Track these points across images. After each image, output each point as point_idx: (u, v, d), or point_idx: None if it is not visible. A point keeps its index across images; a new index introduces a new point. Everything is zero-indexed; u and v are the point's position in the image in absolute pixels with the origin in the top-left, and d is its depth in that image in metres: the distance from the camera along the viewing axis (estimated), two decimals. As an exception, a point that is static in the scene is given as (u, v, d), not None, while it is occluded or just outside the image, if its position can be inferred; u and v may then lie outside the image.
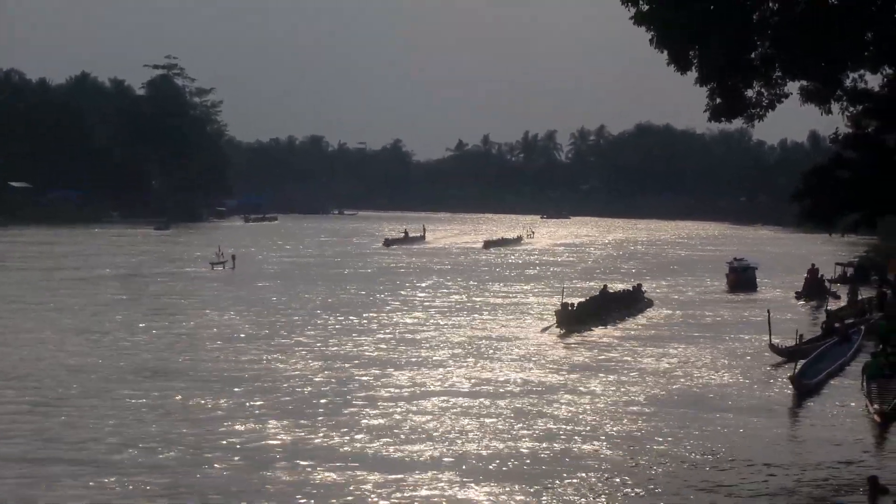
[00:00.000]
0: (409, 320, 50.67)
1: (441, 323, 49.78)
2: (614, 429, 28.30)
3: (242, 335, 44.46)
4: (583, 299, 53.39)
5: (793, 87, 23.41)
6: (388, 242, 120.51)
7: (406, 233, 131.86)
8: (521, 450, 26.04)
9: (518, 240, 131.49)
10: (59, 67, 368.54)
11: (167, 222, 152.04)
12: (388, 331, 46.59)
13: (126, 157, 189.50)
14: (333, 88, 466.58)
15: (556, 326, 47.64)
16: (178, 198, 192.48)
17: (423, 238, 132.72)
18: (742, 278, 69.17)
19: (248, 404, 30.62)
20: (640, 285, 60.89)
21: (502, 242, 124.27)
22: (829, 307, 55.00)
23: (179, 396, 31.60)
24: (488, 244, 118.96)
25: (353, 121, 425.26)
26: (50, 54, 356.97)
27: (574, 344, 44.06)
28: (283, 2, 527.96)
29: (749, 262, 71.76)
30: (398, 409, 30.08)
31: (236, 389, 32.67)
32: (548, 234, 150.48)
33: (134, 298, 58.94)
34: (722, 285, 70.20)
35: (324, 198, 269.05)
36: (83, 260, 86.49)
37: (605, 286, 58.27)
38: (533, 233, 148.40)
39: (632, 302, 57.01)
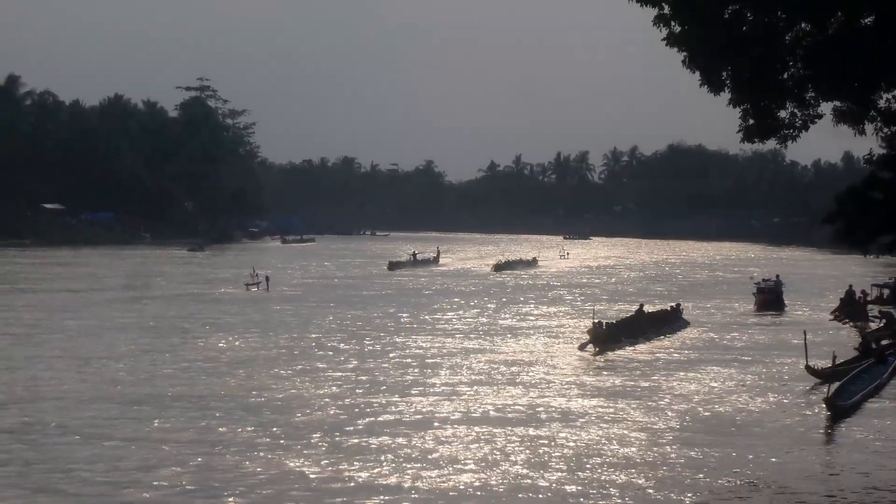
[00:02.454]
0: (430, 344, 49.76)
1: (462, 347, 48.82)
2: (645, 457, 27.82)
3: (268, 360, 43.82)
4: (617, 319, 53.52)
5: (826, 107, 23.31)
6: (393, 266, 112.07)
7: (414, 255, 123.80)
8: (550, 478, 25.64)
9: (533, 262, 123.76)
10: (92, 90, 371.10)
11: (202, 243, 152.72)
12: (410, 355, 45.75)
13: (158, 178, 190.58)
14: (366, 110, 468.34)
15: (590, 344, 47.72)
16: (209, 219, 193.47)
17: (435, 260, 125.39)
18: (770, 298, 69.61)
19: (271, 433, 29.87)
20: (678, 305, 60.84)
21: (514, 265, 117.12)
22: (865, 328, 54.72)
23: (200, 425, 30.84)
24: (499, 267, 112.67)
25: (385, 142, 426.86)
26: (83, 76, 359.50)
27: (605, 366, 43.69)
28: (316, 25, 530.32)
29: (777, 283, 71.96)
30: (425, 437, 29.46)
31: (259, 417, 31.96)
32: (575, 256, 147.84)
33: (166, 321, 58.64)
34: (750, 306, 70.28)
35: (356, 219, 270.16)
36: (118, 281, 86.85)
37: (642, 305, 58.18)
38: (568, 254, 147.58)
39: (668, 322, 56.94)
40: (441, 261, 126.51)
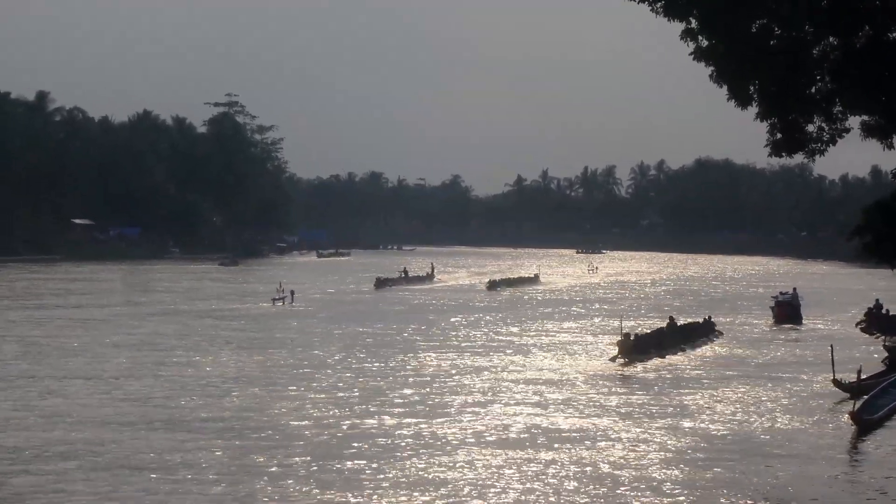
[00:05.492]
0: (440, 362, 48.42)
1: (474, 365, 47.55)
2: (673, 477, 27.37)
3: (277, 379, 42.58)
4: (646, 331, 53.86)
5: (854, 122, 23.31)
6: (381, 283, 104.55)
7: (405, 271, 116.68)
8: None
9: (534, 279, 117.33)
10: (121, 106, 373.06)
11: (234, 258, 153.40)
12: (423, 374, 44.54)
13: (186, 194, 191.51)
14: (393, 125, 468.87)
15: (619, 356, 48.04)
16: (238, 234, 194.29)
17: (430, 277, 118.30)
18: (787, 312, 70.27)
19: (276, 458, 28.69)
20: (710, 317, 61.18)
21: (512, 282, 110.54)
22: (887, 342, 54.57)
23: (203, 450, 29.62)
24: (493, 284, 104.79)
25: (412, 157, 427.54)
26: (112, 93, 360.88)
27: (632, 381, 43.50)
28: (344, 40, 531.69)
29: (794, 296, 72.68)
30: (440, 462, 28.45)
31: (260, 441, 30.83)
32: (600, 271, 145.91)
33: (180, 338, 57.56)
34: (769, 319, 70.85)
35: (383, 233, 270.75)
36: (147, 297, 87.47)
37: (672, 318, 58.39)
38: (597, 268, 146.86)
39: (699, 335, 57.17)
40: (437, 277, 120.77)
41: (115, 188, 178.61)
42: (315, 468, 27.74)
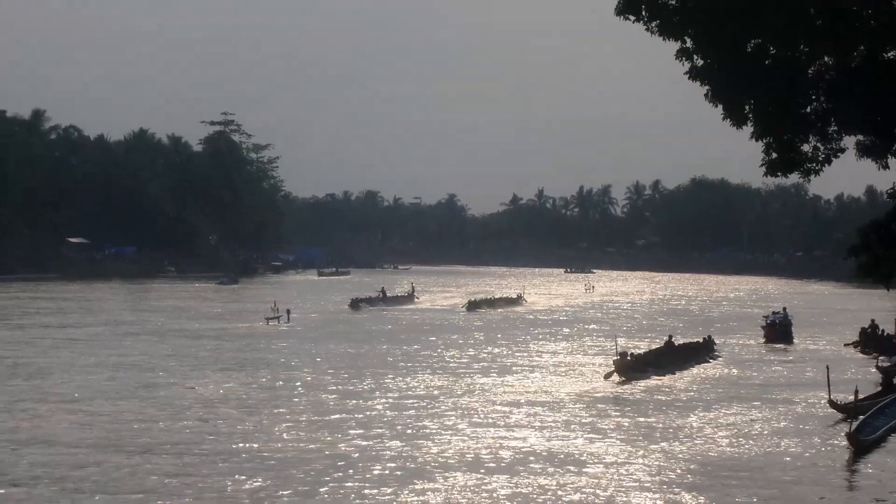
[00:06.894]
0: (428, 383, 47.49)
1: (464, 386, 46.63)
2: (666, 501, 27.03)
3: (267, 401, 41.59)
4: (643, 351, 53.90)
5: (849, 141, 23.26)
6: (356, 304, 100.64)
7: (383, 290, 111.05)
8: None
9: (518, 299, 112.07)
10: (117, 124, 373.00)
11: (234, 277, 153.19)
12: (410, 395, 43.51)
13: (182, 212, 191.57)
14: (389, 144, 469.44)
15: (616, 374, 48.17)
16: (233, 253, 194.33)
17: (410, 297, 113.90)
18: (778, 331, 70.52)
19: (254, 484, 28.03)
20: (710, 337, 61.33)
21: (493, 303, 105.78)
22: (881, 363, 54.44)
23: (178, 474, 28.86)
24: (472, 305, 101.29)
25: (408, 176, 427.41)
26: (108, 111, 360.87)
27: (625, 402, 43.05)
28: (340, 58, 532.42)
29: (784, 316, 72.83)
30: (426, 487, 27.70)
31: (249, 467, 29.79)
32: (587, 291, 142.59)
33: (168, 357, 56.78)
34: (759, 339, 70.77)
35: (378, 252, 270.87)
36: (139, 316, 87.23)
37: (671, 337, 58.46)
38: (593, 287, 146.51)
39: (696, 355, 57.15)
40: (418, 297, 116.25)
41: (112, 206, 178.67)
42: (296, 495, 27.14)
